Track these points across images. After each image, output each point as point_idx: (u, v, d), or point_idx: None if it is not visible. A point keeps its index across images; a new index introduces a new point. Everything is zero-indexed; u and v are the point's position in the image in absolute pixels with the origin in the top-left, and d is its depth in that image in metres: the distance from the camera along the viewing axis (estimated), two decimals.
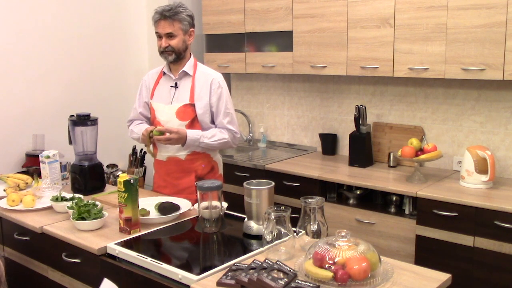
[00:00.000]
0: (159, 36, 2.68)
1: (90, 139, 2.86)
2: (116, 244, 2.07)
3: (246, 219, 2.18)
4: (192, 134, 2.63)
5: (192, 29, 2.71)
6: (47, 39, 3.61)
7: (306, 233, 1.99)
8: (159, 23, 2.65)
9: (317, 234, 1.97)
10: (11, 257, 2.58)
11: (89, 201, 2.38)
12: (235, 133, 2.74)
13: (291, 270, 1.72)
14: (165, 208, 2.35)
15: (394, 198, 3.09)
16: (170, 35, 2.65)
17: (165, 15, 2.62)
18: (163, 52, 2.69)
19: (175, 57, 2.69)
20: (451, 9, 2.86)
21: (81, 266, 2.18)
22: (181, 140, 2.61)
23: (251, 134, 4.31)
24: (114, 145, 4.00)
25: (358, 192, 3.23)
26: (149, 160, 3.67)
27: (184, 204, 2.47)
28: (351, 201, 3.25)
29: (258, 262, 1.78)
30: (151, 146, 2.71)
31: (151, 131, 2.57)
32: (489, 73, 2.79)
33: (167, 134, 2.57)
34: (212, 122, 2.74)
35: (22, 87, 3.50)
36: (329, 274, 1.65)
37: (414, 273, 1.80)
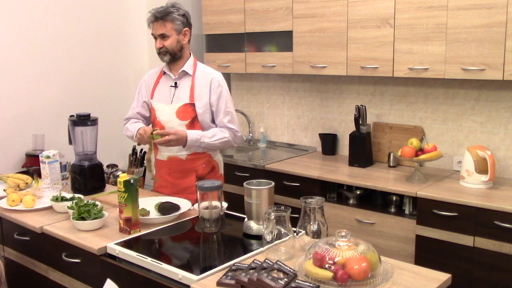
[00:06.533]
0: (155, 37, 2.70)
1: (90, 139, 2.86)
2: (116, 244, 2.07)
3: (246, 219, 2.18)
4: (192, 134, 2.63)
5: (186, 28, 2.70)
6: (47, 39, 3.61)
7: (306, 233, 1.99)
8: (153, 25, 2.68)
9: (317, 234, 1.97)
10: (11, 257, 2.58)
11: (89, 201, 2.38)
12: (236, 132, 2.74)
13: (291, 270, 1.72)
14: (165, 208, 2.35)
15: (394, 198, 3.09)
16: (163, 36, 2.66)
17: (156, 16, 2.64)
18: (159, 53, 2.71)
19: (170, 57, 2.70)
20: (451, 9, 2.86)
21: (81, 266, 2.18)
22: (181, 141, 2.60)
23: (251, 134, 4.31)
24: (114, 145, 4.00)
25: (358, 192, 3.23)
26: None
27: (184, 204, 2.47)
28: (351, 201, 3.25)
29: (258, 262, 1.78)
30: (153, 170, 2.75)
31: (151, 133, 2.57)
32: (489, 73, 2.78)
33: (166, 137, 2.57)
34: (213, 121, 2.74)
35: (22, 87, 3.50)
36: (329, 274, 1.65)
37: (414, 273, 1.80)
